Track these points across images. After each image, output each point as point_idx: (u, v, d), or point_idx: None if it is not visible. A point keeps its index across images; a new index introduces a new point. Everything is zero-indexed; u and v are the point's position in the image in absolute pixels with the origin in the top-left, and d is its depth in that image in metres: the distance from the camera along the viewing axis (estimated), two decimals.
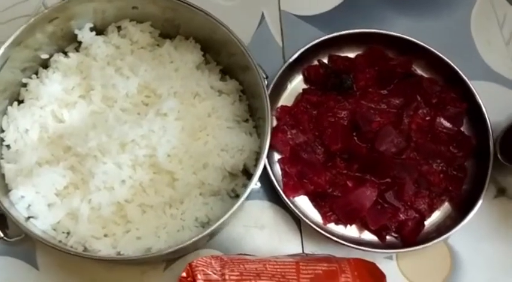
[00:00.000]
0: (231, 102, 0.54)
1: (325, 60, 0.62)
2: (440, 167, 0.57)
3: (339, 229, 0.57)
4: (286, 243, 0.56)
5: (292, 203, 0.56)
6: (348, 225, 0.57)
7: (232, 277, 0.46)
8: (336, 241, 0.53)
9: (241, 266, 0.47)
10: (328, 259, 0.50)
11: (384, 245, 0.56)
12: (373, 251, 0.54)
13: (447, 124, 0.59)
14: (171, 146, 0.50)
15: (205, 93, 0.53)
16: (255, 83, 0.51)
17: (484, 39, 0.66)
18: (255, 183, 0.48)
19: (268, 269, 0.47)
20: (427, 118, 0.59)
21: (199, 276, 0.45)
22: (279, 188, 0.54)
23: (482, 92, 0.60)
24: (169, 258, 0.54)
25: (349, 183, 0.56)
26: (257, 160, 0.51)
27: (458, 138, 0.59)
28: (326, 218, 0.56)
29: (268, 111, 0.49)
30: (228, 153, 0.52)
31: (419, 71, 0.62)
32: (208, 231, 0.46)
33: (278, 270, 0.47)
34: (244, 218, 0.57)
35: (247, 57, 0.50)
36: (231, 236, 0.56)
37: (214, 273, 0.46)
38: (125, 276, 0.54)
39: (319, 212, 0.57)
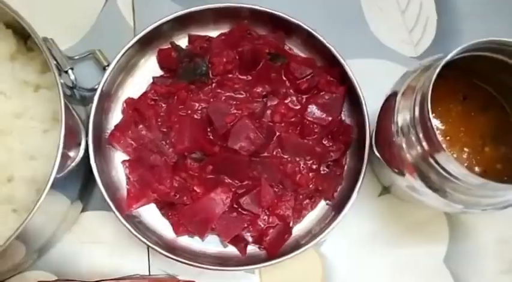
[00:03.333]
0: (51, 99, 0.46)
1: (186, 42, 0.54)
2: (309, 165, 0.49)
3: (195, 242, 0.49)
4: (130, 262, 0.48)
5: (135, 218, 0.48)
6: (207, 237, 0.49)
7: None
8: (181, 262, 0.45)
9: None
10: (157, 280, 0.42)
11: (245, 258, 0.49)
12: (224, 270, 0.46)
13: (320, 113, 0.50)
14: None
15: (11, 90, 0.44)
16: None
17: (375, 8, 0.56)
18: (43, 197, 0.39)
19: None
20: (297, 107, 0.50)
21: None
22: (108, 200, 0.46)
23: (369, 71, 0.51)
24: None
25: (198, 189, 0.48)
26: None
27: (334, 130, 0.50)
28: (177, 229, 0.48)
29: (62, 108, 0.40)
30: (40, 161, 0.43)
31: (296, 51, 0.53)
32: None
33: None
34: (82, 232, 0.49)
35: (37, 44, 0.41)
36: (64, 253, 0.48)
37: None
38: None
39: (169, 222, 0.49)
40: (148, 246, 0.48)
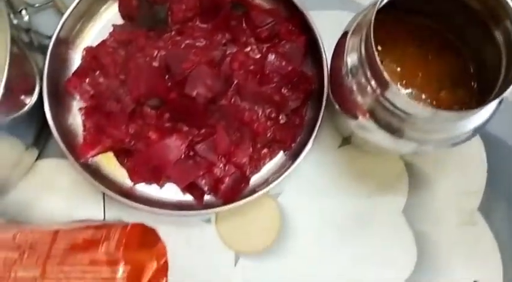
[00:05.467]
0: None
1: None
2: (267, 114, 0.48)
3: (153, 191, 0.49)
4: (85, 209, 0.48)
5: (91, 164, 0.48)
6: (164, 185, 0.49)
7: None
8: (135, 209, 0.45)
9: None
10: (104, 225, 0.41)
11: (201, 206, 0.48)
12: (178, 215, 0.46)
13: (280, 62, 0.49)
14: None
15: None
16: None
17: None
18: None
19: (17, 239, 0.39)
20: (257, 56, 0.49)
21: None
22: (62, 146, 0.45)
23: (333, 23, 0.50)
24: None
25: (153, 136, 0.47)
26: None
27: (294, 79, 0.49)
28: (134, 177, 0.48)
29: (8, 40, 0.39)
30: None
31: (259, 1, 0.53)
32: None
33: (29, 240, 0.39)
34: (37, 180, 0.48)
35: None
36: (18, 201, 0.48)
37: None
38: None
39: (126, 168, 0.48)
40: (103, 194, 0.48)
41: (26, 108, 0.44)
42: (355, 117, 0.40)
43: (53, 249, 0.38)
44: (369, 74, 0.37)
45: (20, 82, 0.44)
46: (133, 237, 0.39)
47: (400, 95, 0.36)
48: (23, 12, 0.47)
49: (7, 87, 0.40)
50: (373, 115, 0.39)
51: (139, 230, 0.40)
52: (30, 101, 0.45)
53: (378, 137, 0.40)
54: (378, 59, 0.35)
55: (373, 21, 0.35)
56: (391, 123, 0.38)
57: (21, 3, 0.48)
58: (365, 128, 0.40)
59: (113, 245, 0.39)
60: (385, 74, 0.35)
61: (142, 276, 0.37)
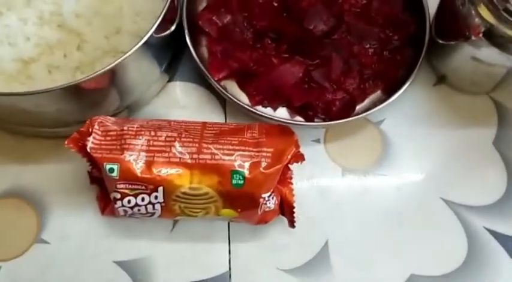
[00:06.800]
0: None
1: None
2: (373, 49, 0.55)
3: (267, 111, 0.54)
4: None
5: (219, 85, 0.54)
6: (277, 109, 0.55)
7: (130, 128, 0.44)
8: (260, 116, 0.51)
9: (144, 122, 0.45)
10: (239, 124, 0.47)
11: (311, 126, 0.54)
12: (298, 124, 0.52)
13: (384, 7, 0.56)
14: (80, 5, 0.48)
15: None
16: None
17: None
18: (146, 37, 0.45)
19: (172, 124, 0.45)
20: (364, 1, 0.57)
21: (96, 127, 0.44)
22: (200, 65, 0.52)
23: None
24: None
25: (275, 61, 0.53)
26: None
27: (396, 22, 0.56)
28: (253, 100, 0.54)
29: None
30: (144, 19, 0.50)
31: None
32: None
33: (182, 126, 0.45)
34: (167, 99, 0.55)
35: None
36: (150, 115, 0.54)
37: (113, 125, 0.44)
38: (37, 148, 0.52)
39: (246, 93, 0.55)
40: (225, 112, 0.54)
41: (168, 31, 0.51)
42: (469, 38, 0.46)
43: (204, 133, 0.44)
44: None
45: (170, 12, 0.51)
46: (273, 129, 0.45)
47: None
48: None
49: (165, 14, 0.47)
50: (485, 32, 0.45)
51: (275, 125, 0.46)
52: (172, 26, 0.52)
53: (487, 53, 0.46)
54: None
55: None
56: (502, 35, 0.44)
57: None
58: (477, 45, 0.46)
59: (257, 132, 0.44)
60: None
61: (283, 156, 0.43)
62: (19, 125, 0.51)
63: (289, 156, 0.43)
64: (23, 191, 0.51)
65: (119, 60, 0.44)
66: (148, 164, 0.42)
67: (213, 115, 0.54)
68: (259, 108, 0.54)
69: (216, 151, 0.42)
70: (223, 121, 0.55)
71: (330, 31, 0.54)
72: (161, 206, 0.43)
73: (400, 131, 0.55)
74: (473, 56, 0.48)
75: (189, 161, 0.42)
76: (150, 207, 0.43)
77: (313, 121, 0.53)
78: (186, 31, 0.52)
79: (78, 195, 0.50)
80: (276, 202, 0.46)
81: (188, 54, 0.53)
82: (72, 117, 0.49)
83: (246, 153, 0.42)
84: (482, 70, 0.49)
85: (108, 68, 0.43)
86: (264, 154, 0.42)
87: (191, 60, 0.53)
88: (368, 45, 0.55)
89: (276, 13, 0.55)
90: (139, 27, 0.50)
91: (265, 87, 0.53)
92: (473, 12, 0.45)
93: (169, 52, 0.55)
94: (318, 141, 0.54)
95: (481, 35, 0.45)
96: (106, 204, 0.47)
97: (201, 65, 0.52)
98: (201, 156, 0.42)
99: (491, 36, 0.45)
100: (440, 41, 0.52)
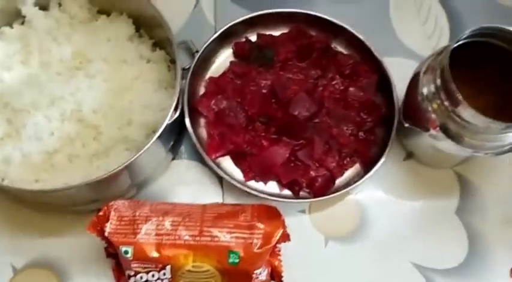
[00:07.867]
0: (158, 70, 0.61)
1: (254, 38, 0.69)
2: (350, 131, 0.63)
3: (259, 186, 0.62)
4: (208, 198, 0.61)
5: (216, 163, 0.62)
6: (268, 183, 0.62)
7: (142, 214, 0.51)
8: (252, 193, 0.59)
9: (153, 206, 0.53)
10: (235, 205, 0.55)
11: (297, 199, 0.62)
12: (286, 201, 0.60)
13: (359, 93, 0.64)
14: (96, 102, 0.56)
15: (133, 60, 0.59)
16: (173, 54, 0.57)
17: (401, 21, 0.72)
18: (157, 135, 0.53)
19: (177, 209, 0.53)
20: (341, 88, 0.65)
21: (112, 213, 0.51)
22: (199, 147, 0.60)
23: (396, 66, 0.65)
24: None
25: (265, 143, 0.61)
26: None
27: (369, 106, 0.64)
28: (247, 176, 0.62)
29: (178, 70, 0.56)
30: (151, 111, 0.58)
31: (339, 48, 0.68)
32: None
33: (185, 210, 0.53)
34: (172, 176, 0.63)
35: (165, 30, 0.57)
36: (157, 191, 0.61)
37: (126, 211, 0.52)
38: (60, 223, 0.59)
39: (240, 169, 0.63)
40: (222, 187, 0.62)
41: (173, 119, 0.59)
42: (427, 130, 0.54)
43: (205, 216, 0.52)
44: (443, 97, 0.51)
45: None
46: (262, 211, 0.53)
47: (467, 109, 0.50)
48: None
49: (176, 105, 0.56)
50: (441, 127, 0.53)
51: (265, 207, 0.54)
52: (175, 114, 0.60)
53: (443, 144, 0.54)
54: (452, 84, 0.50)
55: (448, 60, 0.50)
56: (455, 132, 0.52)
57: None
58: (434, 137, 0.54)
59: (249, 215, 0.52)
60: (459, 94, 0.49)
61: (272, 237, 0.50)
62: (43, 204, 0.58)
63: (277, 237, 0.51)
64: (47, 261, 0.58)
65: (136, 156, 0.52)
66: (158, 246, 0.50)
67: (212, 190, 0.62)
68: (252, 183, 0.62)
69: (215, 234, 0.50)
70: (221, 193, 0.62)
71: (312, 116, 0.62)
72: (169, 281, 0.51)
73: (374, 201, 0.63)
74: (433, 145, 0.56)
75: (192, 242, 0.50)
76: None
77: (298, 194, 0.61)
78: (187, 119, 0.60)
79: (96, 265, 0.57)
80: (267, 272, 0.53)
81: (189, 135, 0.61)
82: (89, 198, 0.57)
83: (240, 235, 0.50)
84: (443, 154, 0.58)
85: (125, 164, 0.51)
86: (256, 236, 0.50)
87: (192, 140, 0.61)
88: (345, 128, 0.63)
89: (266, 100, 0.63)
90: (147, 118, 0.58)
91: (257, 166, 0.61)
92: (430, 108, 0.54)
93: (173, 134, 0.63)
94: (303, 211, 0.62)
95: (437, 128, 0.54)
96: (120, 275, 0.54)
97: (199, 147, 0.60)
98: (202, 238, 0.50)
99: (447, 130, 0.53)
100: (406, 125, 0.60)
